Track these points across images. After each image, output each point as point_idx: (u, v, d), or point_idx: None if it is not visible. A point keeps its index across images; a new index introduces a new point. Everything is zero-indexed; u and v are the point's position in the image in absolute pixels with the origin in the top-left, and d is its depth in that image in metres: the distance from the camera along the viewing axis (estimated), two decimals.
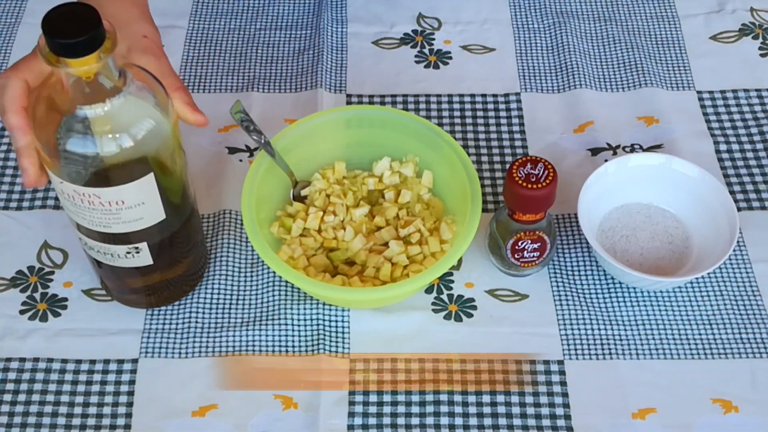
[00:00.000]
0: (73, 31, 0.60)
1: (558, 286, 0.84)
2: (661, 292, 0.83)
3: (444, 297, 0.83)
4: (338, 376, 0.78)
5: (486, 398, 0.77)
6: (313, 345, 0.80)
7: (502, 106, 0.97)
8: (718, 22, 1.04)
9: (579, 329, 0.81)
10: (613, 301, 0.83)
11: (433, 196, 0.86)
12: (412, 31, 1.04)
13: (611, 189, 0.85)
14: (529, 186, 0.76)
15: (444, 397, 0.77)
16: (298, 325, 0.81)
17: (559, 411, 0.76)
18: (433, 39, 1.03)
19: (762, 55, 1.01)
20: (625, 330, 0.81)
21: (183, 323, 0.81)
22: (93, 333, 0.81)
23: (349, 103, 0.97)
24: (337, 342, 0.80)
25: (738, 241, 0.86)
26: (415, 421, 0.76)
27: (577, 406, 0.77)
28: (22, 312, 0.82)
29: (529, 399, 0.77)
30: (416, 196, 0.85)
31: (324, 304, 0.82)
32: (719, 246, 0.81)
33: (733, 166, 0.92)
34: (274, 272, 0.83)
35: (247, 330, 0.81)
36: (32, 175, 0.69)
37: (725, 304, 0.83)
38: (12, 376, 0.79)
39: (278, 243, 0.83)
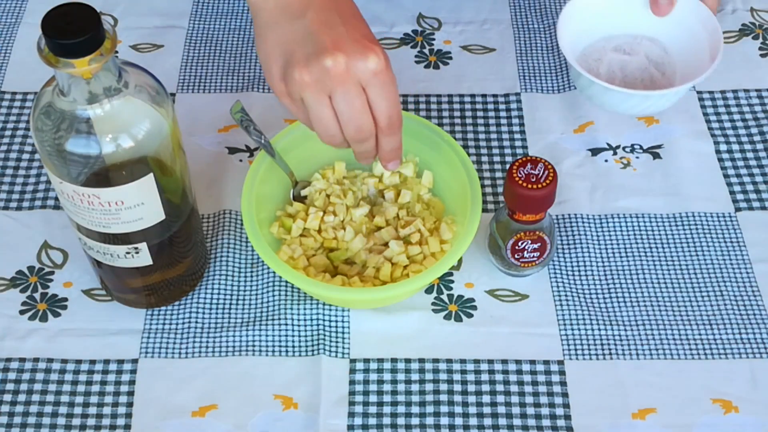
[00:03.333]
0: (72, 32, 0.61)
1: (558, 286, 0.84)
2: (659, 288, 0.83)
3: (444, 297, 0.83)
4: (338, 376, 0.78)
5: (486, 398, 0.77)
6: (313, 345, 0.80)
7: (502, 106, 0.97)
8: (719, 22, 1.04)
9: (579, 329, 0.81)
10: (613, 301, 0.83)
11: (433, 196, 0.86)
12: (412, 31, 1.04)
13: (600, 18, 0.83)
14: (529, 186, 0.76)
15: (444, 397, 0.77)
16: (298, 326, 0.81)
17: (559, 411, 0.76)
18: (433, 39, 1.03)
19: (762, 55, 1.01)
20: (625, 330, 0.81)
21: (183, 323, 0.81)
22: (93, 333, 0.81)
23: None
24: (337, 342, 0.80)
25: (738, 241, 0.86)
26: (415, 421, 0.76)
27: (577, 406, 0.77)
28: (22, 312, 0.82)
29: (529, 399, 0.77)
30: (416, 196, 0.85)
31: (324, 304, 0.82)
32: (701, 66, 0.79)
33: (733, 166, 0.92)
34: (274, 272, 0.83)
35: (247, 330, 0.81)
36: None
37: (725, 304, 0.83)
38: (12, 376, 0.79)
39: (278, 243, 0.83)
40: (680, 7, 0.82)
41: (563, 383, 0.78)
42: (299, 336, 0.81)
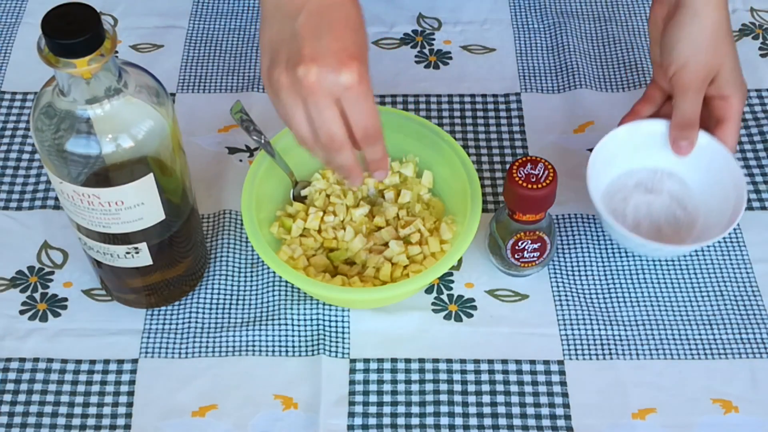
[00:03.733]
0: (72, 32, 0.60)
1: (558, 286, 0.84)
2: (659, 288, 0.83)
3: (444, 297, 0.83)
4: (338, 376, 0.78)
5: (486, 398, 0.77)
6: (313, 345, 0.80)
7: (502, 106, 0.97)
8: None
9: (579, 329, 0.81)
10: (613, 301, 0.83)
11: (433, 196, 0.86)
12: (412, 31, 1.04)
13: (620, 154, 0.84)
14: (529, 186, 0.76)
15: (444, 397, 0.77)
16: (298, 326, 0.81)
17: (559, 411, 0.76)
18: (433, 39, 1.03)
19: (762, 55, 1.01)
20: (625, 330, 0.81)
21: (183, 323, 0.81)
22: (93, 333, 0.81)
23: None
24: (337, 342, 0.80)
25: (738, 241, 0.86)
26: (415, 421, 0.76)
27: (577, 406, 0.77)
28: (22, 312, 0.82)
29: (529, 399, 0.77)
30: (416, 196, 0.85)
31: (324, 304, 0.82)
32: (726, 213, 0.80)
33: None
34: (274, 272, 0.83)
35: (247, 330, 0.81)
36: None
37: (725, 304, 0.83)
38: (12, 376, 0.79)
39: (278, 243, 0.83)
40: (701, 147, 0.84)
41: (563, 383, 0.78)
42: (299, 336, 0.81)
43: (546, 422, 0.76)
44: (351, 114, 0.68)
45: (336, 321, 0.81)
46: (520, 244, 0.80)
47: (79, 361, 0.79)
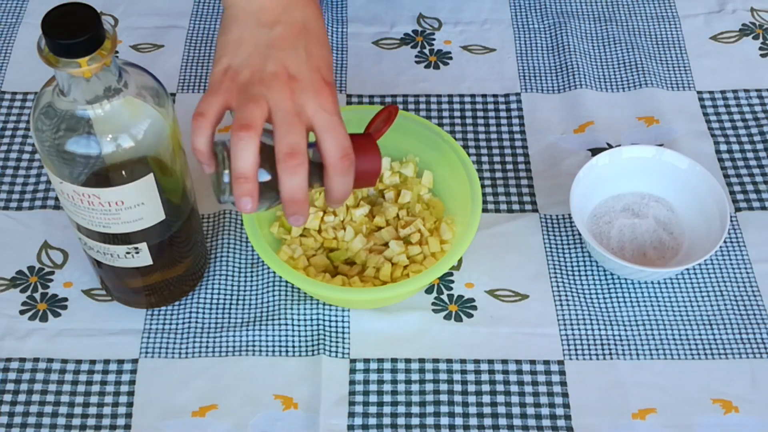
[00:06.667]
0: (72, 32, 0.61)
1: (558, 286, 0.84)
2: (659, 288, 0.83)
3: (444, 297, 0.83)
4: (338, 376, 0.78)
5: (486, 398, 0.77)
6: (313, 345, 0.80)
7: (502, 106, 0.97)
8: (718, 22, 1.04)
9: (579, 329, 0.81)
10: (613, 301, 0.83)
11: (433, 196, 0.86)
12: (413, 31, 1.04)
13: (604, 180, 0.86)
14: None
15: (444, 397, 0.77)
16: (298, 326, 0.81)
17: (559, 411, 0.76)
18: (434, 39, 1.03)
19: (762, 55, 1.01)
20: (625, 330, 0.81)
21: (183, 323, 0.81)
22: (93, 333, 0.81)
23: (349, 103, 0.97)
24: (337, 342, 0.80)
25: (738, 241, 0.86)
26: (415, 421, 0.76)
27: (577, 406, 0.77)
28: (22, 312, 0.82)
29: (529, 399, 0.77)
30: (416, 197, 0.85)
31: (324, 304, 0.82)
32: (710, 238, 0.81)
33: (733, 166, 0.92)
34: (274, 272, 0.83)
35: (247, 330, 0.81)
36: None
37: (725, 304, 0.83)
38: (12, 376, 0.79)
39: (278, 243, 0.83)
40: (687, 171, 0.85)
41: (563, 383, 0.78)
42: (299, 336, 0.81)
43: (546, 422, 0.76)
44: (324, 138, 0.67)
45: (336, 321, 0.81)
46: None
47: (79, 361, 0.79)
